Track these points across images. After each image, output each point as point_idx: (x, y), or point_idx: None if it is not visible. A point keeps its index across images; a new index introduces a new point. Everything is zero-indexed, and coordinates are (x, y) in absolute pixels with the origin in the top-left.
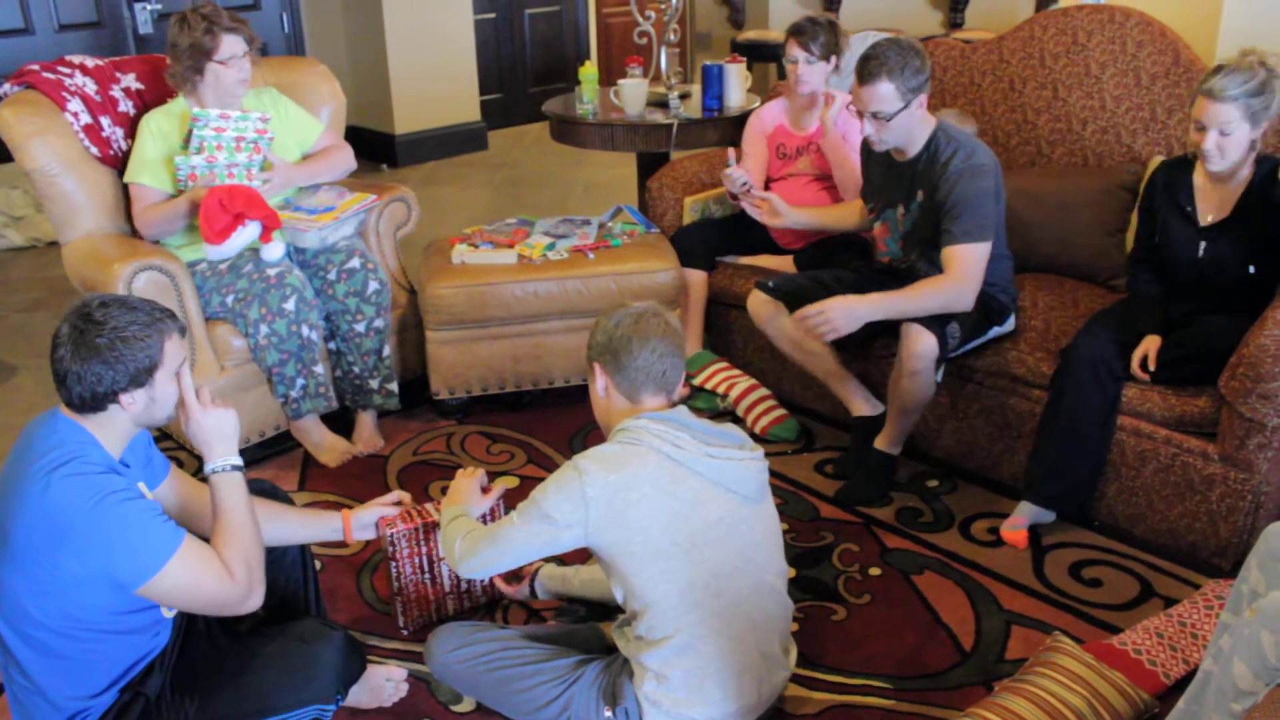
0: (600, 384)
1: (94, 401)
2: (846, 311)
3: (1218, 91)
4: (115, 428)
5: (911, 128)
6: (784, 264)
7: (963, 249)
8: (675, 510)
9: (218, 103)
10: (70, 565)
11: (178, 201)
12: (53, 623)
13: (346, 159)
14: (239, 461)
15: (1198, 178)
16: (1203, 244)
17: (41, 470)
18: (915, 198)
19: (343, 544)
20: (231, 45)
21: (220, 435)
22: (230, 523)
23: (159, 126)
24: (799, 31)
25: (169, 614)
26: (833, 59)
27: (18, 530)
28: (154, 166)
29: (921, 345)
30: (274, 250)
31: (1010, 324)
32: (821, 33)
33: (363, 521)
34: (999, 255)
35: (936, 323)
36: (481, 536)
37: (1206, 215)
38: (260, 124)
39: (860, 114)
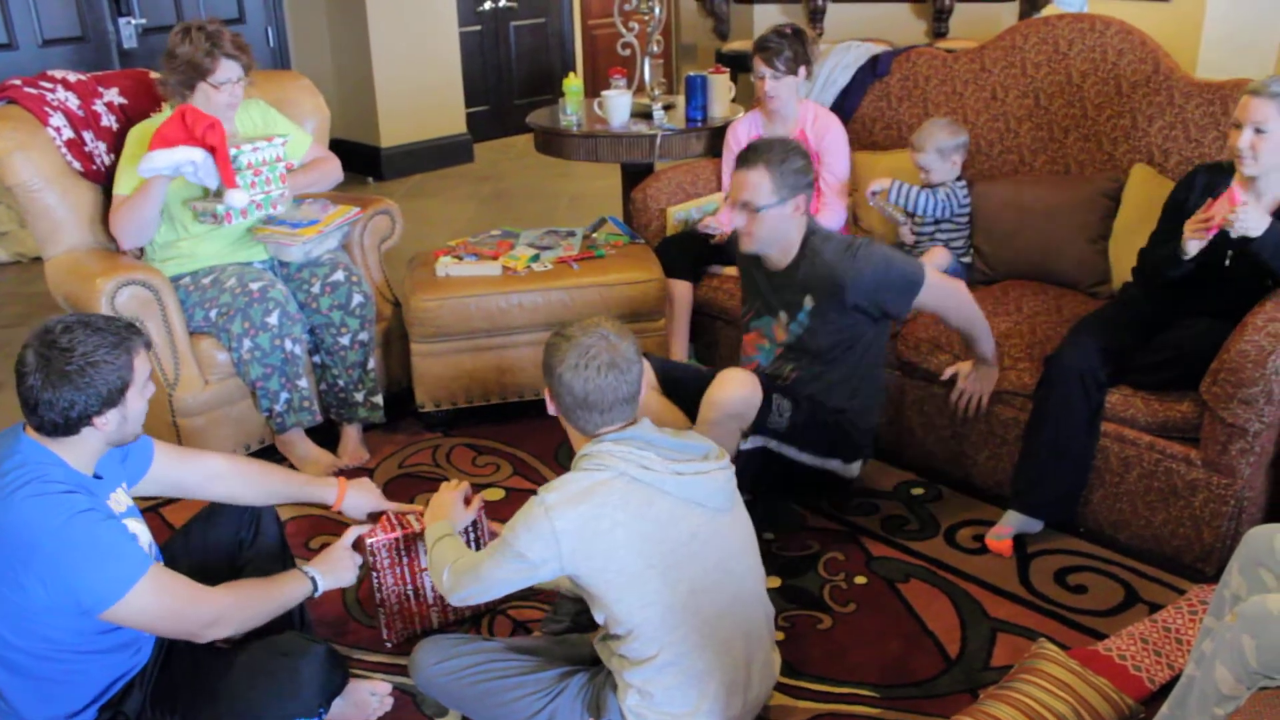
0: (551, 408)
1: (67, 426)
2: (986, 383)
3: (1259, 87)
4: (86, 448)
5: (787, 232)
6: None
7: (927, 291)
8: (647, 533)
9: None
10: (35, 589)
11: (143, 185)
12: (28, 645)
13: (335, 171)
14: (319, 587)
15: (1236, 184)
16: (1229, 252)
17: (4, 490)
18: (803, 305)
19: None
20: (228, 70)
21: (339, 568)
22: (266, 593)
23: (144, 141)
24: (763, 48)
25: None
26: (801, 70)
27: None
28: (134, 178)
29: (734, 392)
30: (237, 198)
31: (855, 469)
32: (786, 46)
33: (355, 502)
34: (874, 365)
35: (767, 388)
36: (465, 570)
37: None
38: (281, 148)
39: (734, 204)
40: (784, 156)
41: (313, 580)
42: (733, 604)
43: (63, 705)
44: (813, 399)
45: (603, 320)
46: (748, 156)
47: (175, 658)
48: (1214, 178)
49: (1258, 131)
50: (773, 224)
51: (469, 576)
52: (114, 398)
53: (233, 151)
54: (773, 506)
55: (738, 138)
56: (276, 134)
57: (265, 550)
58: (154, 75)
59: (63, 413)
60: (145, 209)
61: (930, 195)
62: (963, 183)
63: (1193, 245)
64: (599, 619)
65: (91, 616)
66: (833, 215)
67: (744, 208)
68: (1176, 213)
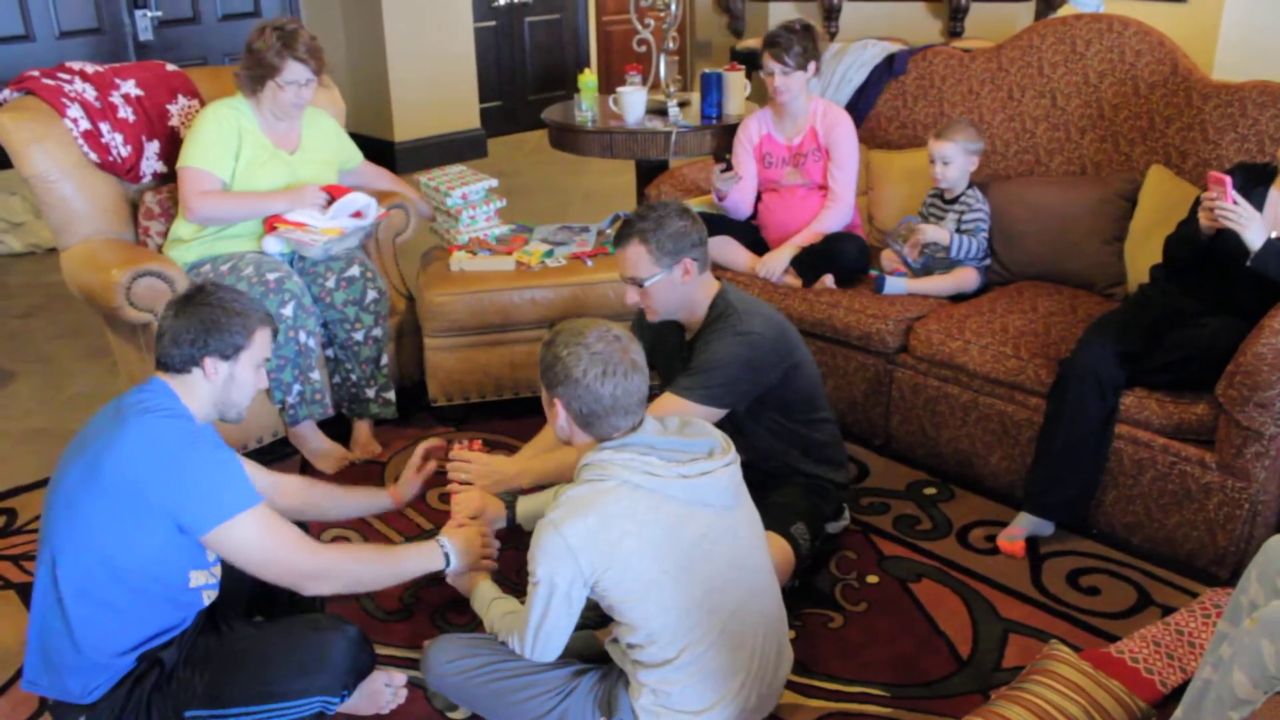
0: (562, 419)
1: (181, 361)
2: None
3: None
4: (197, 396)
5: (686, 295)
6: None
7: (679, 401)
8: (658, 540)
9: (272, 114)
10: (151, 496)
11: (270, 195)
12: (119, 559)
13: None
14: (452, 564)
15: (1275, 190)
16: (1253, 254)
17: (136, 410)
18: None
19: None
20: (296, 73)
21: (469, 549)
22: (384, 559)
23: (224, 118)
24: (773, 43)
25: (209, 597)
26: (811, 66)
27: (110, 461)
28: (216, 154)
29: (780, 563)
30: (271, 244)
31: (845, 518)
32: (795, 42)
33: (406, 493)
34: (819, 419)
35: (779, 524)
36: (528, 633)
37: (1270, 229)
38: (486, 190)
39: (623, 280)
40: (658, 224)
41: (446, 556)
42: (749, 598)
43: (116, 640)
44: (777, 470)
45: (593, 321)
46: (621, 233)
47: (211, 625)
48: (1249, 180)
49: None
50: (664, 293)
51: (533, 638)
52: (228, 351)
53: (454, 195)
54: (809, 587)
55: (749, 134)
56: (483, 181)
57: None
58: (170, 68)
59: (184, 344)
60: (255, 212)
61: (975, 241)
62: (977, 193)
63: (1206, 227)
64: (618, 633)
65: (193, 537)
66: (838, 214)
67: (632, 283)
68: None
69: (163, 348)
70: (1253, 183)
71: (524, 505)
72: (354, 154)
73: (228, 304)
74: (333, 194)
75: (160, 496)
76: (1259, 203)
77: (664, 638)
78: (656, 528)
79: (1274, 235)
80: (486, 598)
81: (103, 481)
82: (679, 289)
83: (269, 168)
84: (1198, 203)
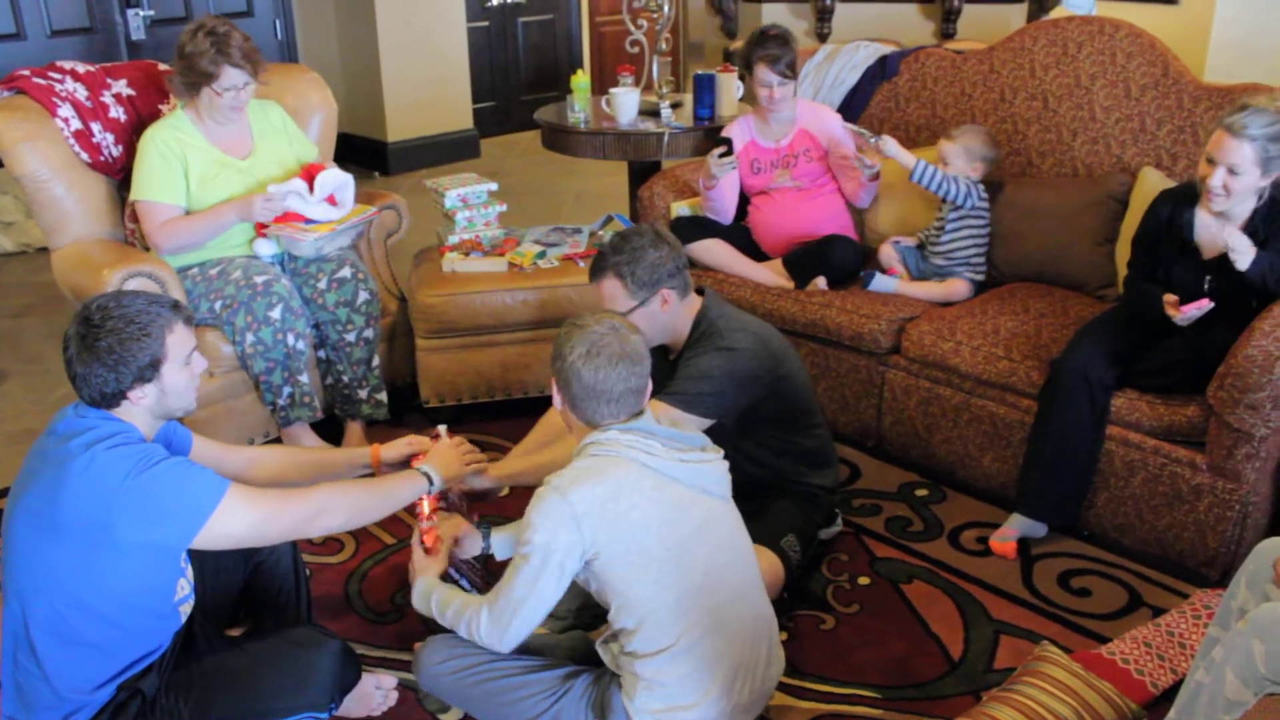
0: (558, 399)
1: (105, 400)
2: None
3: (1237, 128)
4: (137, 419)
5: (668, 324)
6: (774, 268)
7: (665, 408)
8: (665, 516)
9: (212, 120)
10: (126, 534)
11: (221, 209)
12: (89, 597)
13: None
14: (435, 482)
15: (1202, 212)
16: (1208, 278)
17: (82, 445)
18: None
19: (334, 550)
20: (233, 78)
21: (450, 462)
22: (372, 490)
23: (165, 141)
24: (766, 53)
25: (185, 610)
26: (796, 73)
27: (65, 506)
28: (167, 181)
29: (769, 577)
30: (263, 247)
31: (838, 524)
32: (788, 51)
33: (389, 455)
34: (811, 428)
35: (770, 536)
36: (500, 608)
37: (1212, 250)
38: (486, 193)
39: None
40: (632, 257)
41: (428, 476)
42: (742, 587)
43: (91, 675)
44: (769, 481)
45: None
46: (595, 266)
47: (191, 645)
48: (1176, 208)
49: (1231, 173)
50: (645, 323)
51: (508, 614)
52: (146, 374)
53: (450, 195)
54: (801, 589)
55: (732, 139)
56: (485, 184)
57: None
58: (162, 67)
59: (98, 388)
60: (213, 230)
61: (954, 181)
62: (981, 186)
63: (1180, 320)
64: (612, 617)
65: (181, 549)
66: (865, 194)
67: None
68: (1151, 242)
69: (82, 393)
70: (1181, 209)
71: (498, 536)
72: (309, 149)
73: (122, 331)
74: (311, 172)
75: (130, 532)
76: (1190, 226)
77: (658, 620)
78: (662, 505)
79: (1228, 248)
80: (429, 589)
81: (62, 529)
82: (660, 318)
83: (223, 179)
84: (1145, 248)
